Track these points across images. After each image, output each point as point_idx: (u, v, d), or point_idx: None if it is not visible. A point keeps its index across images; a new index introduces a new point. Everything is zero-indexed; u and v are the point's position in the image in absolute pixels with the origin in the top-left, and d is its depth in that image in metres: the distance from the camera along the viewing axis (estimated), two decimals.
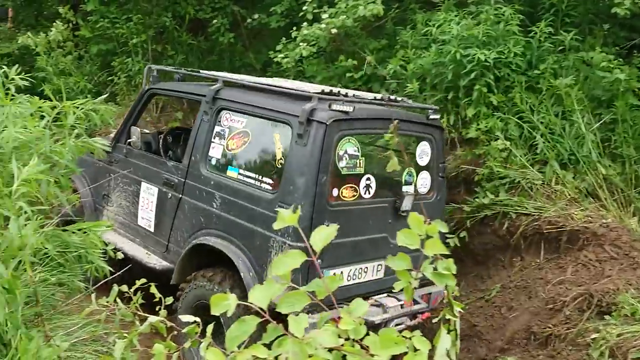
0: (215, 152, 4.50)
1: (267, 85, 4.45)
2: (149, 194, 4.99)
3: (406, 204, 4.27)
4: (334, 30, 6.50)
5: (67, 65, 8.02)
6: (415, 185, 4.48)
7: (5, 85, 3.66)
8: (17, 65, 3.77)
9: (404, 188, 4.40)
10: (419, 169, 4.51)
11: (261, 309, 1.32)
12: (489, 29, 5.67)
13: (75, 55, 8.35)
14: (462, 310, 1.95)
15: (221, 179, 4.38)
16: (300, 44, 6.70)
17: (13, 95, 3.64)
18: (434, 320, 2.00)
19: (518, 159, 5.57)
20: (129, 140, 5.26)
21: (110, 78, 8.20)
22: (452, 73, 5.74)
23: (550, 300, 4.71)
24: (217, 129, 4.50)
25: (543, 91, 5.73)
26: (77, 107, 3.75)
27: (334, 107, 3.82)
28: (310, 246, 1.52)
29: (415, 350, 1.53)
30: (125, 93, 7.86)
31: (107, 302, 2.70)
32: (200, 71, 5.24)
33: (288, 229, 3.78)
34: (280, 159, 4.06)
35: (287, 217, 1.52)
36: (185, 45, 8.68)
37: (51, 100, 3.83)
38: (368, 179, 4.17)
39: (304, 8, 6.97)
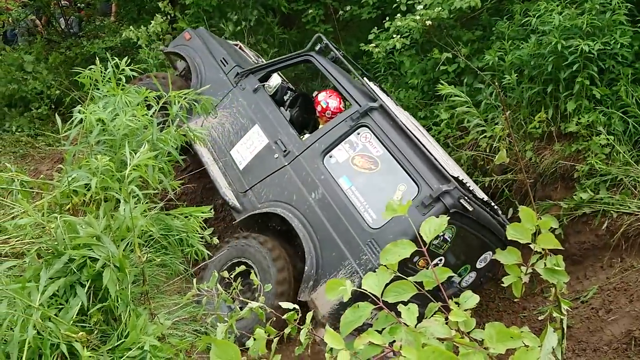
0: (339, 154, 4.74)
1: (417, 139, 4.57)
2: (257, 138, 5.20)
3: (449, 291, 4.67)
4: (428, 22, 6.41)
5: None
6: (462, 280, 4.90)
7: (116, 76, 3.89)
8: (126, 58, 3.99)
9: (455, 278, 4.84)
10: (472, 268, 4.91)
11: (375, 296, 1.34)
12: (593, 18, 5.38)
13: None
14: (569, 309, 1.89)
15: (331, 180, 4.63)
16: (393, 35, 6.65)
17: (123, 86, 3.86)
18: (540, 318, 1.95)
19: (621, 155, 5.28)
20: (265, 83, 5.53)
21: None
22: (552, 65, 5.51)
23: None
24: (352, 137, 4.75)
25: None
26: (181, 97, 3.92)
27: (462, 201, 4.20)
28: (421, 236, 1.52)
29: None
30: None
31: (208, 286, 2.82)
32: (365, 78, 5.27)
33: (367, 264, 4.22)
34: None
35: (397, 207, 1.53)
36: (277, 38, 8.82)
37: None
38: (440, 259, 4.47)
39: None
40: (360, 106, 4.80)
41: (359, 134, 4.73)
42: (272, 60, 5.78)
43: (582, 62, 5.37)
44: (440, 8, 6.40)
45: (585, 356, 4.65)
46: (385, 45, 6.79)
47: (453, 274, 4.19)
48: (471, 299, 1.52)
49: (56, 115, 3.88)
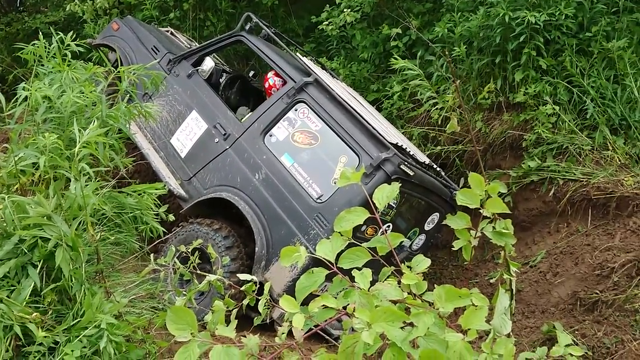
0: (279, 133, 4.74)
1: (355, 110, 4.59)
2: (195, 124, 5.17)
3: (400, 256, 4.70)
4: None
5: None
6: (412, 243, 5.03)
7: (61, 51, 3.77)
8: (72, 32, 3.87)
9: (404, 241, 4.91)
10: (421, 231, 5.04)
11: (328, 261, 1.37)
12: None
13: None
14: (518, 271, 1.97)
15: (273, 159, 4.64)
16: (344, 10, 6.64)
17: (69, 62, 3.74)
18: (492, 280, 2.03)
19: (567, 124, 5.46)
20: (198, 68, 5.47)
21: None
22: (500, 36, 5.62)
23: (598, 266, 4.67)
24: (290, 114, 4.75)
25: (594, 54, 5.57)
26: (131, 73, 3.84)
27: (402, 167, 4.26)
28: (373, 203, 1.56)
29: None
30: None
31: (165, 261, 2.81)
32: (298, 55, 5.24)
33: (316, 238, 4.27)
34: (336, 179, 4.36)
35: (351, 175, 1.56)
36: (224, 13, 8.67)
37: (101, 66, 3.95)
38: (388, 226, 4.58)
39: None
40: (295, 82, 4.81)
41: (296, 110, 4.75)
42: (204, 44, 5.70)
43: (528, 34, 5.50)
44: None
45: (534, 317, 4.85)
46: (337, 22, 6.78)
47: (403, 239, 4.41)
48: (422, 262, 1.57)
49: None
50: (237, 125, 4.94)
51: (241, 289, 2.23)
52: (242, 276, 2.27)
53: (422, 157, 5.13)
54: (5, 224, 2.87)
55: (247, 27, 5.38)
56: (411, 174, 4.34)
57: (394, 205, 4.48)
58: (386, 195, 1.56)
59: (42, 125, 3.51)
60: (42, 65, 3.85)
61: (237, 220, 4.76)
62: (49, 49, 3.83)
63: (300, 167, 4.57)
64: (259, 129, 4.80)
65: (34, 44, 3.87)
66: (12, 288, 2.72)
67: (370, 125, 4.48)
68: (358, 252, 1.55)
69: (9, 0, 10.21)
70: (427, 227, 5.05)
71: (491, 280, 5.35)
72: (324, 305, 1.30)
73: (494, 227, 1.76)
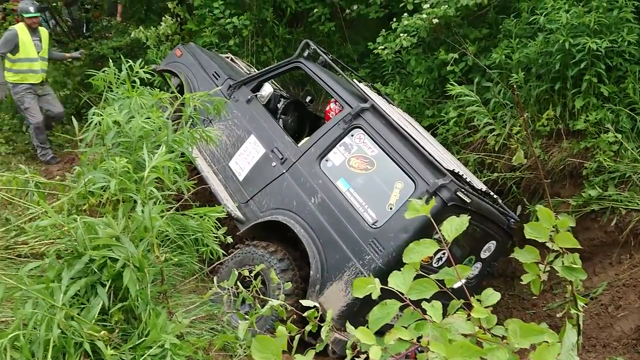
0: (335, 158, 4.79)
1: (411, 136, 4.60)
2: (253, 148, 5.26)
3: (456, 284, 4.59)
4: (435, 21, 6.44)
5: None
6: None
7: (130, 78, 3.94)
8: (140, 60, 4.04)
9: None
10: (477, 259, 4.93)
11: (401, 293, 1.39)
12: (600, 16, 5.41)
13: None
14: (585, 305, 1.94)
15: (329, 183, 4.69)
16: (400, 34, 6.69)
17: (137, 88, 3.91)
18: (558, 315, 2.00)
19: (629, 152, 5.32)
20: (257, 93, 5.60)
21: None
22: (560, 63, 5.54)
23: None
24: (346, 139, 4.80)
25: None
26: (195, 99, 3.98)
27: (459, 194, 4.22)
28: (442, 235, 1.57)
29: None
30: None
31: (228, 285, 2.87)
32: (355, 81, 5.34)
33: (371, 264, 4.28)
34: (392, 205, 4.39)
35: (420, 207, 1.57)
36: (282, 38, 8.85)
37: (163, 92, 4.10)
38: (443, 253, 4.46)
39: None
40: (352, 108, 4.85)
41: (352, 135, 4.78)
42: (263, 70, 5.84)
43: (589, 60, 5.41)
44: (446, 6, 6.43)
45: (595, 352, 4.70)
46: (392, 47, 6.82)
47: (470, 270, 4.39)
48: (492, 295, 1.56)
49: (72, 118, 3.95)
50: (294, 150, 5.02)
51: (304, 314, 2.26)
52: (305, 302, 2.30)
53: (479, 184, 5.07)
54: (76, 244, 3.00)
55: (305, 54, 5.49)
56: (468, 201, 4.30)
57: None
58: (455, 227, 1.57)
59: (111, 149, 3.67)
60: (112, 90, 4.03)
61: (292, 244, 4.81)
62: (118, 75, 4.01)
63: (355, 192, 4.59)
64: (315, 153, 4.86)
65: (104, 70, 4.06)
66: (82, 306, 2.83)
67: (426, 151, 4.48)
68: (426, 284, 1.56)
69: (77, 27, 10.69)
70: (484, 255, 4.97)
71: (549, 312, 5.21)
72: (398, 337, 1.31)
73: (562, 262, 1.74)
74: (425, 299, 1.54)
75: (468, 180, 4.69)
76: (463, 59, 6.70)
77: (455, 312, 1.50)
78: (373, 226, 4.40)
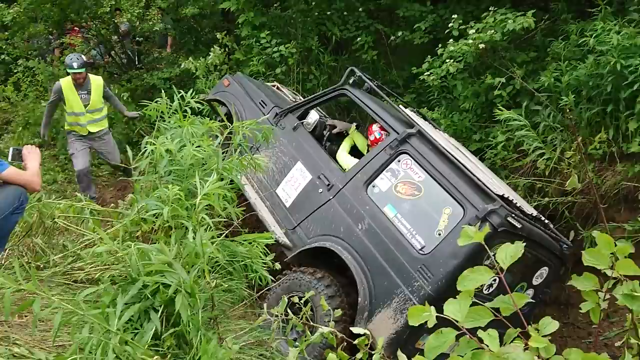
0: (381, 184, 4.78)
1: (458, 161, 4.59)
2: (300, 175, 5.29)
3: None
4: (481, 46, 6.42)
5: None
6: None
7: (181, 108, 4.06)
8: (191, 90, 4.16)
9: None
10: (529, 286, 4.81)
11: (455, 320, 1.37)
12: None
13: None
14: None
15: (376, 209, 4.66)
16: (447, 60, 6.68)
17: (189, 117, 4.02)
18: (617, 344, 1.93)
19: None
20: (304, 121, 5.66)
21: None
22: (612, 85, 5.42)
23: None
24: (392, 165, 4.78)
25: None
26: (244, 127, 4.06)
27: (509, 219, 4.14)
28: (497, 262, 1.55)
29: None
30: None
31: (278, 312, 2.88)
32: (400, 106, 5.37)
33: (420, 290, 4.21)
34: (441, 230, 4.33)
35: (473, 234, 1.56)
36: (327, 66, 8.95)
37: (211, 119, 4.21)
38: (494, 280, 4.36)
39: (450, 24, 6.95)
40: (398, 134, 4.85)
41: (399, 161, 4.76)
42: (309, 97, 5.88)
43: None
44: (493, 31, 6.40)
45: None
46: (438, 72, 6.81)
47: (528, 299, 4.29)
48: (550, 324, 1.53)
49: (127, 146, 4.08)
50: (340, 176, 5.03)
51: (354, 342, 2.24)
52: (356, 329, 2.29)
53: (529, 209, 4.97)
54: (130, 270, 3.07)
55: (350, 81, 5.54)
56: (519, 226, 4.21)
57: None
58: (510, 254, 1.55)
59: (163, 177, 3.77)
60: (164, 120, 4.16)
61: (339, 270, 4.79)
62: (170, 105, 4.14)
63: (403, 218, 4.54)
64: (362, 179, 4.85)
65: (157, 100, 4.19)
66: (136, 331, 2.88)
67: (475, 176, 4.44)
68: (481, 312, 1.54)
69: (130, 59, 11.08)
70: (536, 281, 4.84)
71: (607, 341, 5.02)
72: None
73: (622, 290, 1.69)
74: (481, 327, 1.52)
75: (518, 205, 4.61)
76: (510, 82, 6.63)
77: (512, 341, 1.47)
78: (421, 252, 4.34)
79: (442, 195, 4.48)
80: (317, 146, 5.45)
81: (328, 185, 5.04)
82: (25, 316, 3.43)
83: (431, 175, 4.58)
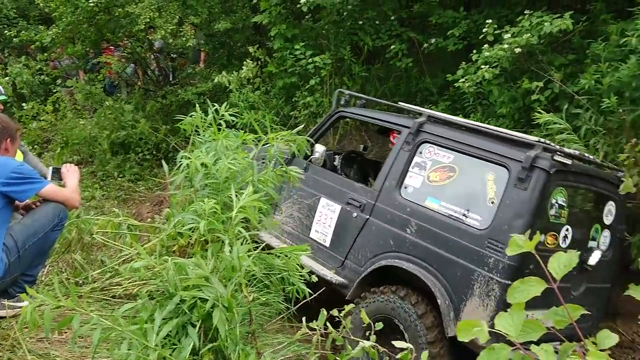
0: (413, 181, 4.62)
1: (478, 126, 4.50)
2: (328, 209, 5.10)
3: (593, 258, 4.35)
4: (517, 50, 6.28)
5: (255, 99, 8.64)
6: (598, 242, 4.57)
7: (216, 121, 4.06)
8: (226, 104, 4.15)
9: (590, 243, 4.50)
10: (603, 227, 4.61)
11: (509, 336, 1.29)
12: None
13: (262, 90, 8.97)
14: None
15: (419, 208, 4.47)
16: (482, 66, 6.56)
17: (223, 130, 4.01)
18: None
19: None
20: (311, 157, 5.39)
21: (292, 112, 8.67)
22: None
23: None
24: (416, 159, 4.64)
25: None
26: (278, 139, 4.03)
27: (557, 157, 3.94)
28: (550, 272, 1.46)
29: None
30: (307, 126, 8.21)
31: (317, 325, 2.82)
32: (400, 104, 5.32)
33: (498, 265, 3.90)
34: (492, 198, 4.12)
35: (523, 243, 1.48)
36: (359, 77, 8.89)
37: (246, 133, 4.19)
38: (567, 229, 4.22)
39: (484, 30, 6.82)
40: (409, 128, 4.73)
41: (421, 152, 4.62)
42: (308, 133, 5.63)
43: None
44: (529, 34, 6.25)
45: None
46: (473, 79, 6.69)
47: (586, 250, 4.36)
48: (609, 338, 1.43)
49: (163, 162, 4.09)
50: (369, 193, 4.85)
51: (397, 357, 2.17)
52: (397, 343, 2.21)
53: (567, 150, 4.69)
54: (167, 285, 3.06)
55: (342, 102, 5.51)
56: (569, 163, 3.99)
57: (564, 204, 4.13)
58: (563, 264, 1.46)
59: (199, 191, 3.76)
60: (198, 134, 4.16)
61: (407, 283, 4.46)
62: (204, 119, 4.14)
63: (449, 203, 4.34)
64: (391, 186, 4.69)
65: (191, 115, 4.20)
66: (174, 347, 2.86)
67: (501, 132, 4.30)
68: (533, 325, 1.45)
69: (165, 76, 11.25)
70: (607, 220, 4.61)
71: None
72: None
73: None
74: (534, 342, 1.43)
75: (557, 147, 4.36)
76: (548, 86, 6.47)
77: (568, 357, 1.38)
78: (482, 228, 4.07)
79: (478, 165, 4.29)
80: (334, 175, 5.32)
81: (360, 206, 4.84)
82: (65, 333, 3.45)
83: (459, 151, 4.41)
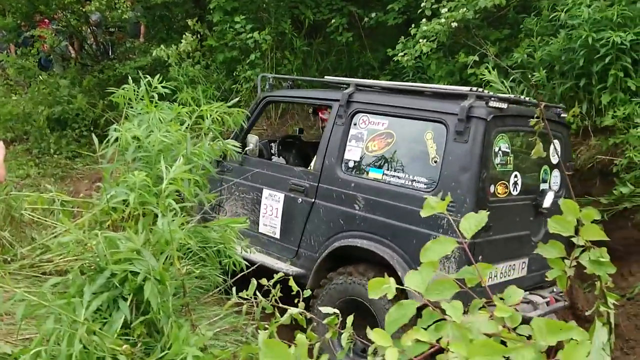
0: (352, 155, 4.49)
1: (408, 87, 4.44)
2: (272, 200, 4.92)
3: (547, 200, 4.29)
4: (454, 24, 6.37)
5: (195, 74, 8.48)
6: (549, 183, 4.51)
7: (149, 94, 3.96)
8: (158, 75, 4.06)
9: (542, 186, 4.44)
10: (551, 167, 4.53)
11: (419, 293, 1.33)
12: (624, 9, 5.29)
13: (202, 65, 8.80)
14: (616, 302, 1.85)
15: (363, 181, 4.36)
16: (420, 40, 6.63)
17: (156, 103, 3.93)
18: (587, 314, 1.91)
19: None
20: (245, 149, 5.15)
21: (233, 86, 8.55)
22: (584, 58, 5.42)
23: None
24: (352, 131, 4.50)
25: None
26: (213, 111, 3.98)
27: (492, 104, 3.86)
28: (461, 232, 1.51)
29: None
30: (248, 100, 8.13)
31: (247, 294, 2.83)
32: (326, 77, 5.28)
33: (452, 225, 3.57)
34: (435, 157, 4.02)
35: (436, 204, 1.52)
36: (301, 51, 8.83)
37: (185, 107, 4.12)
38: (515, 175, 4.19)
39: (422, 4, 6.89)
40: (339, 100, 4.59)
41: (355, 124, 4.49)
42: (238, 128, 5.22)
43: (614, 54, 5.28)
44: (465, 9, 6.35)
45: (634, 354, 4.54)
46: (412, 53, 6.75)
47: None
48: (515, 294, 1.49)
49: (93, 135, 3.98)
50: (310, 175, 4.71)
51: (323, 322, 2.20)
52: (324, 309, 2.25)
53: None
54: (98, 259, 3.00)
55: (266, 87, 5.44)
56: (505, 107, 3.90)
57: (508, 150, 4.09)
58: (474, 224, 1.51)
59: (131, 164, 3.68)
60: (132, 107, 4.06)
61: (365, 261, 4.35)
62: (137, 92, 4.04)
63: (392, 171, 4.25)
64: (331, 164, 4.56)
65: (124, 88, 4.09)
66: (105, 321, 2.82)
67: (430, 88, 4.26)
68: (445, 284, 1.50)
69: (104, 50, 10.89)
70: (554, 159, 4.50)
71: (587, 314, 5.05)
72: (416, 338, 1.25)
73: (589, 256, 1.67)
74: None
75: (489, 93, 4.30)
76: (484, 60, 6.61)
77: (475, 312, 1.44)
78: (430, 190, 3.99)
79: (414, 126, 4.20)
80: (272, 164, 5.18)
81: (303, 190, 4.68)
82: None
83: (393, 115, 4.31)
